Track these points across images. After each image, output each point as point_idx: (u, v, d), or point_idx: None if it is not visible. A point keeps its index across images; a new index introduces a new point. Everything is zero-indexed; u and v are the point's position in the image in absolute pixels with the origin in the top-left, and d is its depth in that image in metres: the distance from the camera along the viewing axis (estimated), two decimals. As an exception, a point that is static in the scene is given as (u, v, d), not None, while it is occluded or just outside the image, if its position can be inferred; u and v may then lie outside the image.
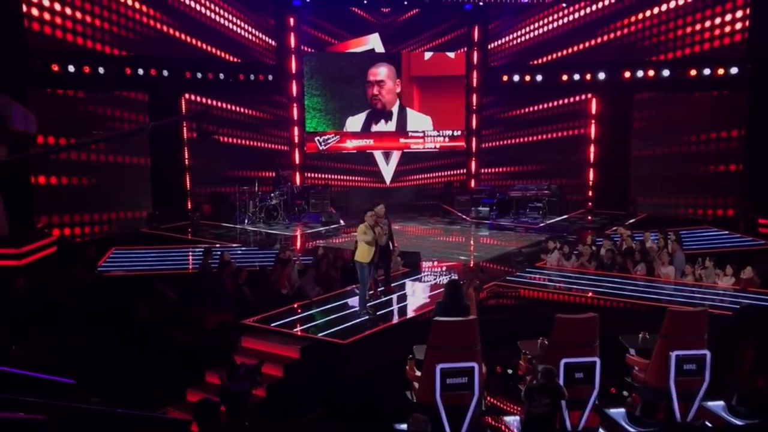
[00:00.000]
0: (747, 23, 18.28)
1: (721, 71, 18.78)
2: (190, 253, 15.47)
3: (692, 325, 7.80)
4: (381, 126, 22.11)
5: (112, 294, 11.74)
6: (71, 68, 16.88)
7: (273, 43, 21.39)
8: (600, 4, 20.51)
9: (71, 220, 17.39)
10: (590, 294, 12.23)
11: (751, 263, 12.60)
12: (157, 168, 18.89)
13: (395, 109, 22.09)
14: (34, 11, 16.17)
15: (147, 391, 8.75)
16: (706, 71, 18.94)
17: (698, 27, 19.08)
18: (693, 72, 19.12)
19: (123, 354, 9.57)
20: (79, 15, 17.02)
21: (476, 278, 11.68)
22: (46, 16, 16.38)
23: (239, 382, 7.20)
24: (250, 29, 20.79)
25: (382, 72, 21.90)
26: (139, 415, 4.73)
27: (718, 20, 18.74)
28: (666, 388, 7.63)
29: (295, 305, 11.40)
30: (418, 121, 22.29)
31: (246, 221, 18.98)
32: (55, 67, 16.63)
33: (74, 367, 8.30)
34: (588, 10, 20.75)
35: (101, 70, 17.36)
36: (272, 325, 10.37)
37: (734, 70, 18.57)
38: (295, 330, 10.24)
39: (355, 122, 21.99)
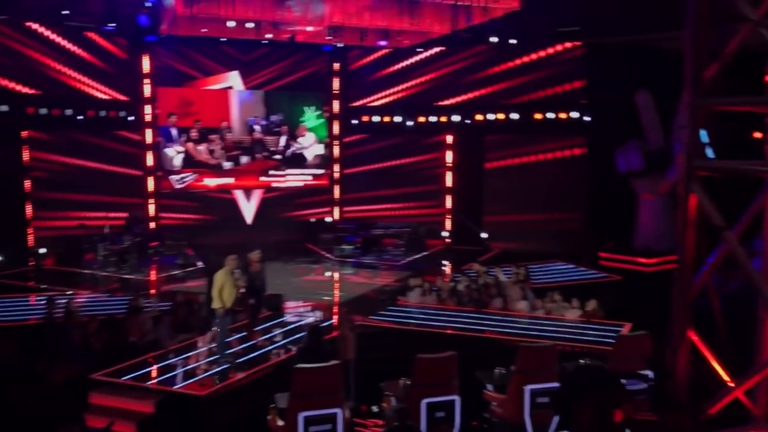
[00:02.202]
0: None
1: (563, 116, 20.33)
2: (32, 302, 14.31)
3: (543, 360, 8.18)
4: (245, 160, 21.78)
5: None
6: None
7: (126, 78, 20.50)
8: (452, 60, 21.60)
9: None
10: (450, 330, 12.55)
11: (594, 295, 13.53)
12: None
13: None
14: None
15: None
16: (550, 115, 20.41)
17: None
18: (539, 116, 20.51)
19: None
20: None
21: (351, 320, 11.55)
22: None
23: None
24: (101, 64, 19.88)
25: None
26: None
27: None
28: (521, 422, 7.93)
29: (150, 356, 10.80)
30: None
31: (96, 266, 17.85)
32: None
33: None
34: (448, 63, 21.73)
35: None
36: (124, 378, 9.76)
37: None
38: (149, 383, 9.68)
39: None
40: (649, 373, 8.15)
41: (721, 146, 5.40)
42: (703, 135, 5.30)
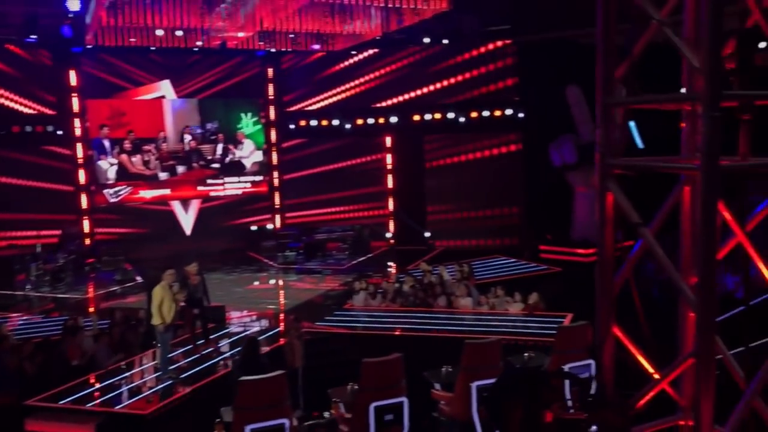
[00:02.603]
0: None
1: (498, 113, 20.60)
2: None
3: (488, 355, 8.26)
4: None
5: None
6: None
7: (52, 91, 19.80)
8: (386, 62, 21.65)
9: None
10: (398, 332, 12.57)
11: (536, 288, 13.77)
12: None
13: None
14: None
15: None
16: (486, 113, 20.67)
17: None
18: (474, 114, 20.73)
19: None
20: None
21: (298, 327, 11.42)
22: None
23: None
24: (24, 77, 19.18)
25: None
26: None
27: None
28: (470, 420, 7.98)
29: (90, 376, 10.46)
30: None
31: (28, 286, 17.19)
32: None
33: None
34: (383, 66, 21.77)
35: None
36: (62, 402, 9.42)
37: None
38: (89, 405, 9.37)
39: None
40: (591, 363, 8.36)
41: (649, 139, 5.50)
42: (632, 126, 5.37)
